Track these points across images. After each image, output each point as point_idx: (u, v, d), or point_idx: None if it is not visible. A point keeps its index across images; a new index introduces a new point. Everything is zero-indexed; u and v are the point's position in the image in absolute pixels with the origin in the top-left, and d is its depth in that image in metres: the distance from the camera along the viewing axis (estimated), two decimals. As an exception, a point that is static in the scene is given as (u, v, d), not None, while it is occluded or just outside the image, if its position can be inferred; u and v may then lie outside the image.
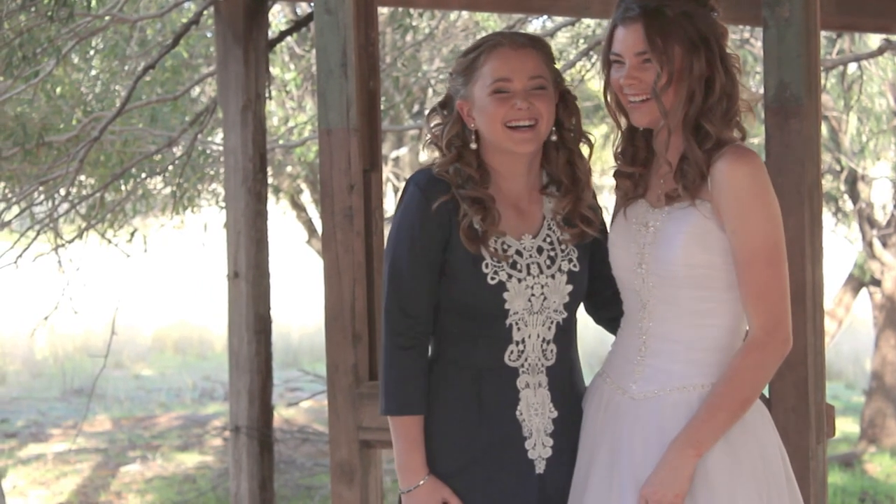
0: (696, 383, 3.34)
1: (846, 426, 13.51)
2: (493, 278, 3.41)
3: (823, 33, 9.58)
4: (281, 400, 14.13)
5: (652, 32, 3.29)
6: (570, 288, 3.45)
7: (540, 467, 3.46)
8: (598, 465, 3.40)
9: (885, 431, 12.91)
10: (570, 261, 3.47)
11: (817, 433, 3.82)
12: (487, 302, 3.41)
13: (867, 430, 12.98)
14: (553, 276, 3.44)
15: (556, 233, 3.49)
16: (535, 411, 3.45)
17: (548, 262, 3.45)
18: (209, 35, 9.88)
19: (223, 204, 9.30)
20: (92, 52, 9.86)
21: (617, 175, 3.51)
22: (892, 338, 13.06)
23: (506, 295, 3.41)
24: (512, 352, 3.44)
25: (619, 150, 3.50)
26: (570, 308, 3.47)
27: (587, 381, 3.59)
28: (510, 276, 3.41)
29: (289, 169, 12.29)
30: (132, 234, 10.29)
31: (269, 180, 11.74)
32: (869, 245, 13.00)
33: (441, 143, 3.47)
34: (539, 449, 3.46)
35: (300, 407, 13.77)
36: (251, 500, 6.63)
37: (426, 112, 3.63)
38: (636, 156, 3.48)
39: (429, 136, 3.52)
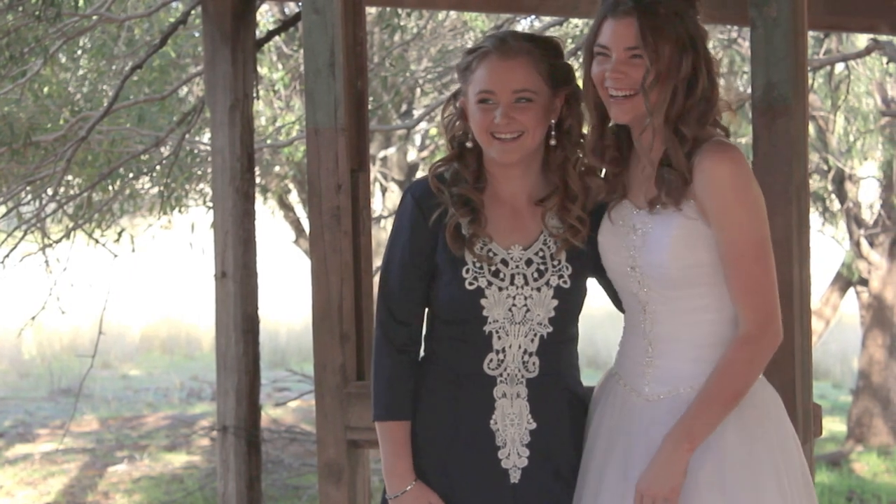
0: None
1: (833, 425, 13.54)
2: (471, 283, 3.40)
3: (811, 33, 9.59)
4: (269, 400, 14.11)
5: (645, 28, 3.27)
6: (555, 303, 3.43)
7: (515, 477, 3.45)
8: (612, 466, 3.38)
9: (872, 430, 12.95)
10: (561, 277, 3.44)
11: (804, 433, 3.83)
12: (464, 306, 3.40)
13: (854, 429, 13.02)
14: (539, 290, 3.42)
15: (550, 248, 3.46)
16: (511, 422, 3.44)
17: (535, 274, 3.43)
18: (197, 35, 9.85)
19: (211, 204, 9.29)
20: (79, 52, 9.84)
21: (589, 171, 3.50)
22: (879, 337, 13.10)
23: (483, 301, 3.40)
24: (491, 360, 3.43)
25: (589, 146, 3.47)
26: (558, 323, 3.44)
27: (592, 380, 3.58)
28: (490, 284, 3.40)
29: (276, 169, 12.28)
30: (119, 234, 10.27)
31: (257, 180, 11.72)
32: (856, 244, 13.04)
33: (446, 137, 3.50)
34: (514, 459, 3.44)
35: (288, 407, 13.76)
36: (239, 499, 6.61)
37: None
38: (604, 154, 3.46)
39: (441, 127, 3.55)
